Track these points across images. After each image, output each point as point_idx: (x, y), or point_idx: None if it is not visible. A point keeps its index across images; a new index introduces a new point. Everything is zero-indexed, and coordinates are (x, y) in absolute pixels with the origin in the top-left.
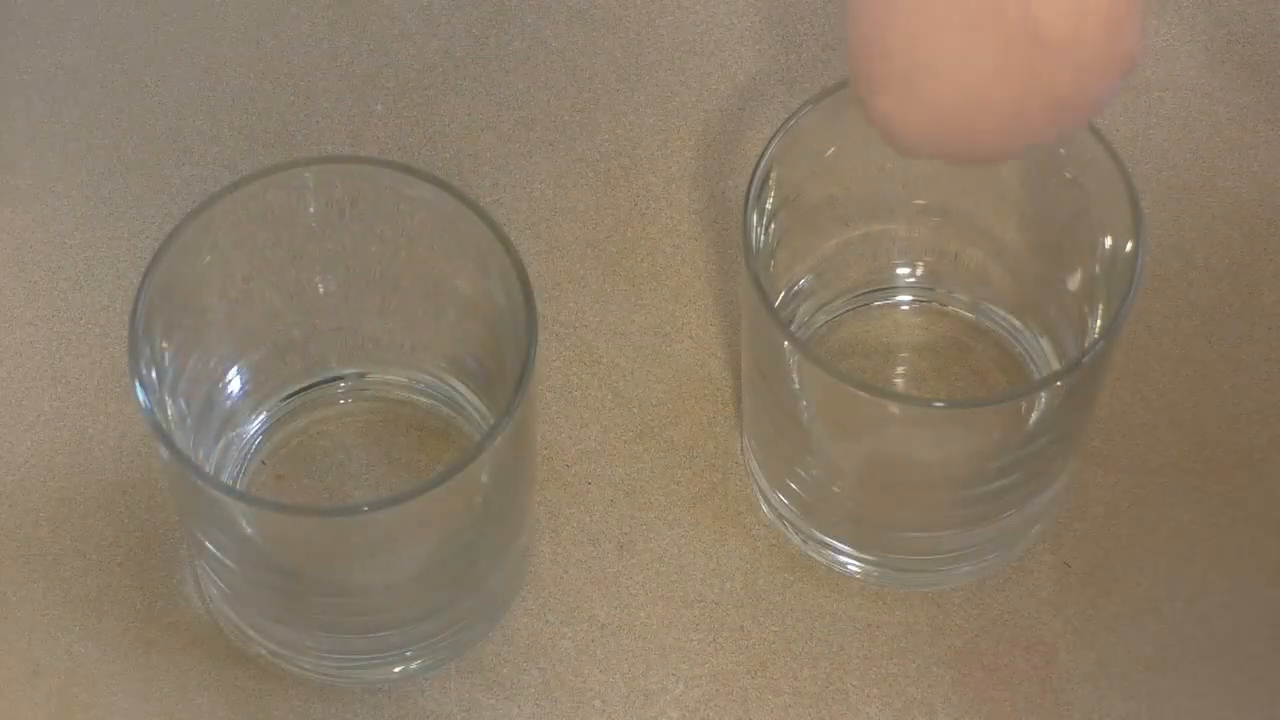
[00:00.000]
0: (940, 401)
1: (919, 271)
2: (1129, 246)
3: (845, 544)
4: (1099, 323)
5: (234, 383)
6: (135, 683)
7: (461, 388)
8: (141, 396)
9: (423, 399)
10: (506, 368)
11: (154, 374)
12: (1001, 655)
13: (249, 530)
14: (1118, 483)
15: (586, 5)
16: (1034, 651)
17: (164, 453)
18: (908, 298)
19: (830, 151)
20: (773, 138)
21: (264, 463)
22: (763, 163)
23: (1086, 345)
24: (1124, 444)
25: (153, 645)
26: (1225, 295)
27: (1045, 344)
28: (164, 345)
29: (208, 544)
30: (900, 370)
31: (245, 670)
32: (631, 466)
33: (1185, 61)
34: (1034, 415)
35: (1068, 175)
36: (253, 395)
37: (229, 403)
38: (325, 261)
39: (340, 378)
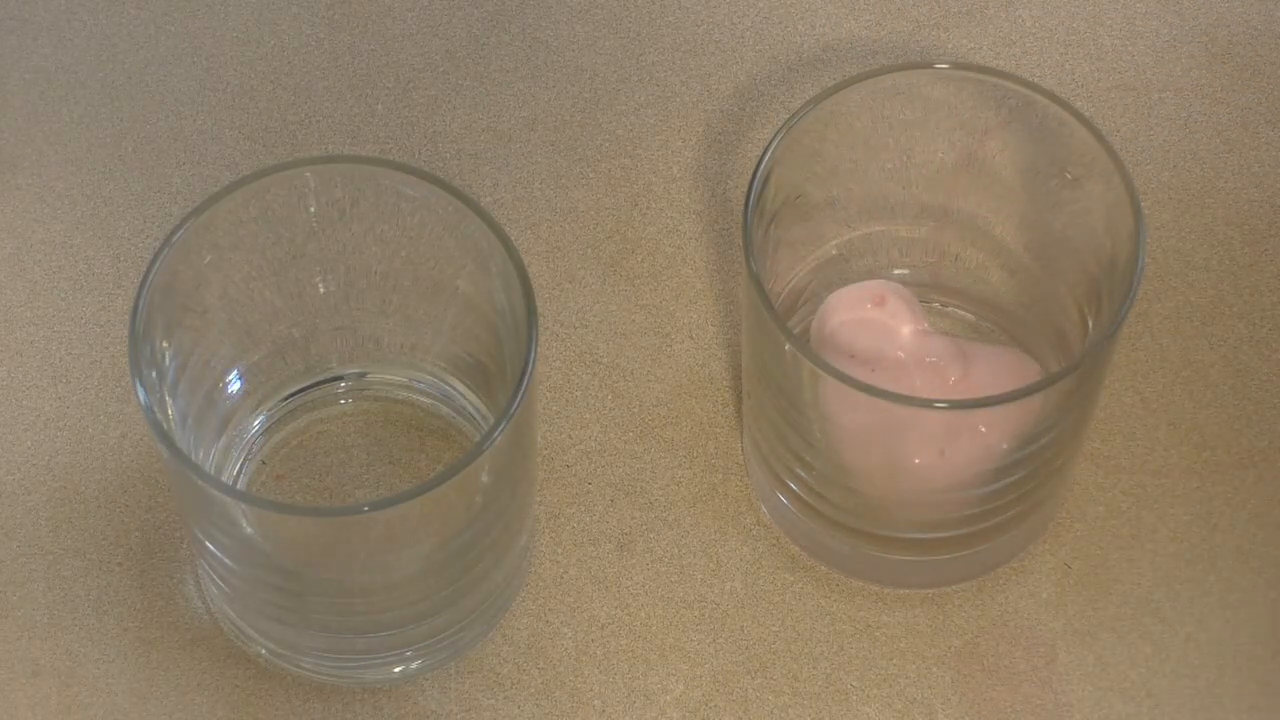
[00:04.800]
0: (941, 402)
1: (919, 271)
2: (1129, 247)
3: (845, 544)
4: (1099, 323)
5: (234, 383)
6: (135, 683)
7: (461, 388)
8: (141, 396)
9: (423, 399)
10: (506, 368)
11: (154, 374)
12: (1001, 655)
13: (249, 530)
14: (1118, 483)
15: (586, 5)
16: (1034, 651)
17: (164, 452)
18: None
19: (830, 151)
20: (773, 138)
21: (264, 463)
22: (763, 163)
23: (1086, 345)
24: (1124, 444)
25: (153, 645)
26: (1225, 296)
27: (1045, 344)
28: (164, 345)
29: (208, 544)
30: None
31: (245, 670)
32: (631, 466)
33: (1185, 61)
34: (1034, 415)
35: (1068, 175)
36: (253, 395)
37: (229, 403)
38: (325, 261)
39: (340, 378)
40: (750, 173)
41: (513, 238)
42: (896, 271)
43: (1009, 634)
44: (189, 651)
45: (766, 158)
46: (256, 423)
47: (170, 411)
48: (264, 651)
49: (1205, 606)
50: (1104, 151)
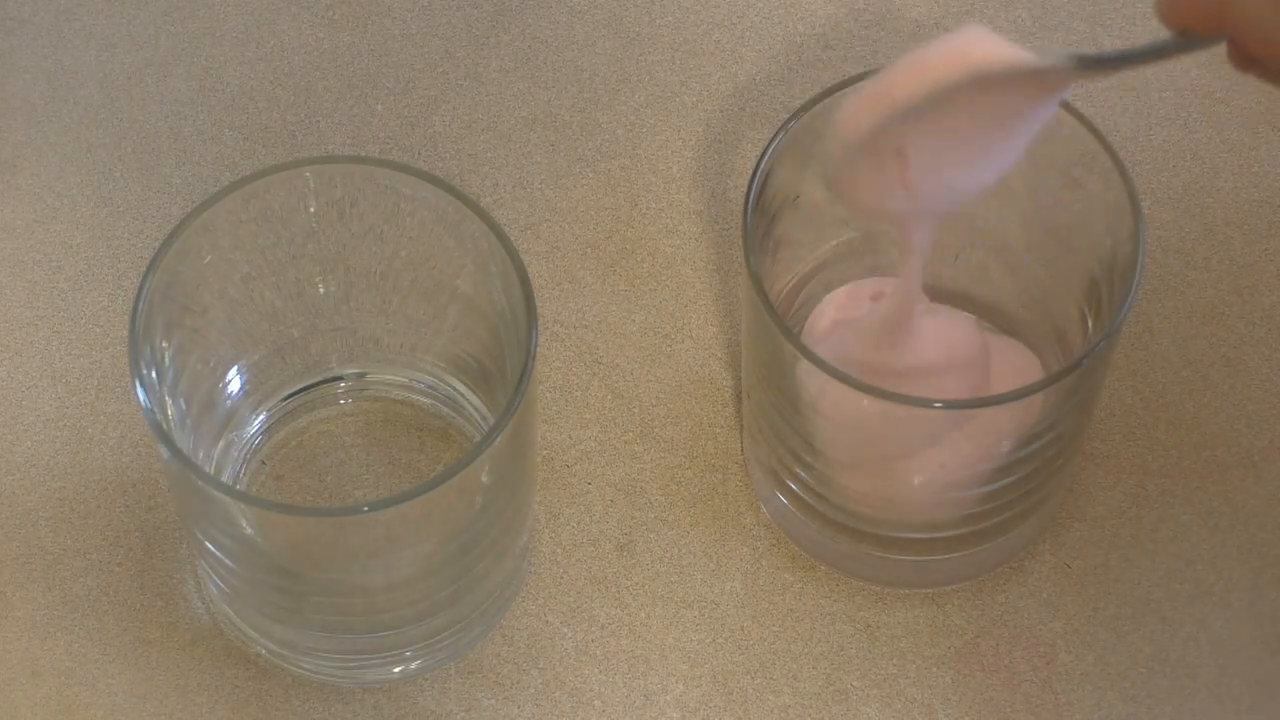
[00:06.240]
0: (940, 401)
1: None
2: (1129, 247)
3: (844, 543)
4: (1099, 323)
5: (234, 383)
6: (135, 683)
7: (461, 388)
8: (141, 396)
9: (423, 399)
10: (506, 368)
11: (154, 374)
12: (1001, 655)
13: (249, 530)
14: (1118, 483)
15: (586, 5)
16: (1034, 651)
17: (164, 453)
18: None
19: None
20: (773, 138)
21: (264, 463)
22: (763, 163)
23: (1086, 345)
24: (1124, 444)
25: (153, 645)
26: (1225, 296)
27: (1045, 344)
28: (164, 345)
29: (208, 544)
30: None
31: (245, 670)
32: (631, 466)
33: (1185, 61)
34: (1034, 415)
35: (1068, 175)
36: (253, 395)
37: (229, 403)
38: (325, 261)
39: (340, 378)
40: (750, 173)
41: (513, 238)
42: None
43: (1009, 634)
44: (189, 651)
45: (766, 158)
46: (256, 423)
47: (170, 411)
48: (264, 651)
49: (1205, 606)
50: (1104, 151)
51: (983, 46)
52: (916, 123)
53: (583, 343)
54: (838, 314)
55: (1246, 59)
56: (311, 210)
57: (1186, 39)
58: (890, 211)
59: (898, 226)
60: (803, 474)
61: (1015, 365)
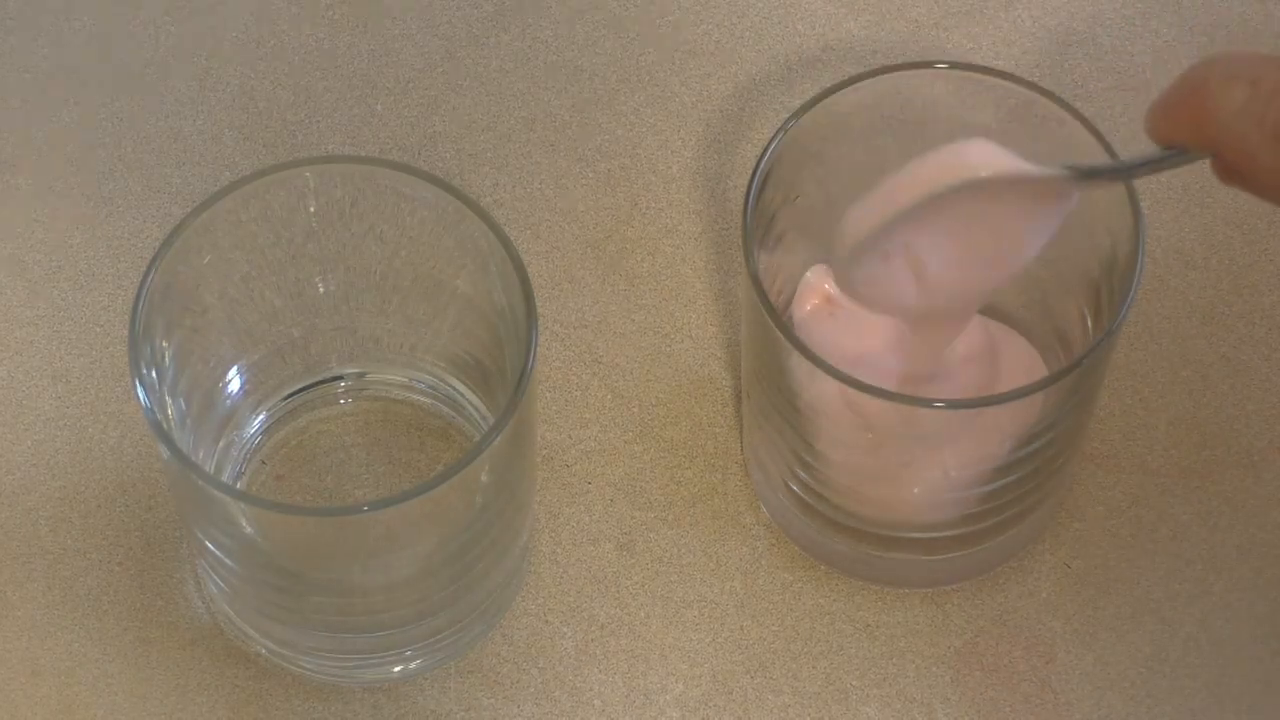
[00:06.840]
0: (940, 401)
1: None
2: (1129, 247)
3: (845, 544)
4: (1099, 323)
5: (234, 383)
6: (135, 682)
7: (461, 388)
8: (141, 396)
9: (423, 399)
10: (506, 368)
11: (154, 374)
12: (1001, 655)
13: (249, 530)
14: (1118, 483)
15: (586, 5)
16: (1034, 651)
17: (164, 452)
18: None
19: (830, 151)
20: (773, 138)
21: (264, 463)
22: (763, 163)
23: (1086, 345)
24: (1124, 444)
25: (153, 645)
26: (1225, 296)
27: (1045, 344)
28: (164, 345)
29: (208, 544)
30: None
31: (245, 670)
32: (631, 466)
33: (1185, 61)
34: (1034, 415)
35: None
36: (253, 395)
37: (229, 403)
38: (325, 261)
39: (340, 378)
40: (750, 173)
41: (513, 238)
42: None
43: (1009, 634)
44: (189, 651)
45: (766, 158)
46: (256, 423)
47: (170, 411)
48: (264, 651)
49: (1205, 606)
50: (1104, 151)
51: (982, 156)
52: (921, 227)
53: (583, 343)
54: (819, 299)
55: (1229, 172)
56: (311, 210)
57: (1175, 153)
58: (902, 308)
59: (916, 329)
60: (803, 474)
61: (1020, 363)
